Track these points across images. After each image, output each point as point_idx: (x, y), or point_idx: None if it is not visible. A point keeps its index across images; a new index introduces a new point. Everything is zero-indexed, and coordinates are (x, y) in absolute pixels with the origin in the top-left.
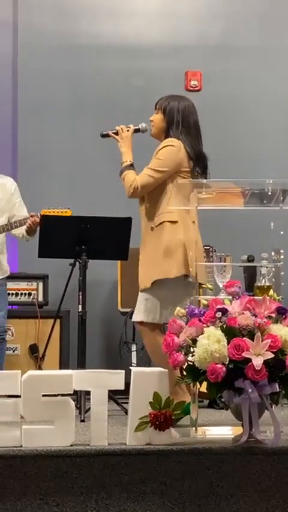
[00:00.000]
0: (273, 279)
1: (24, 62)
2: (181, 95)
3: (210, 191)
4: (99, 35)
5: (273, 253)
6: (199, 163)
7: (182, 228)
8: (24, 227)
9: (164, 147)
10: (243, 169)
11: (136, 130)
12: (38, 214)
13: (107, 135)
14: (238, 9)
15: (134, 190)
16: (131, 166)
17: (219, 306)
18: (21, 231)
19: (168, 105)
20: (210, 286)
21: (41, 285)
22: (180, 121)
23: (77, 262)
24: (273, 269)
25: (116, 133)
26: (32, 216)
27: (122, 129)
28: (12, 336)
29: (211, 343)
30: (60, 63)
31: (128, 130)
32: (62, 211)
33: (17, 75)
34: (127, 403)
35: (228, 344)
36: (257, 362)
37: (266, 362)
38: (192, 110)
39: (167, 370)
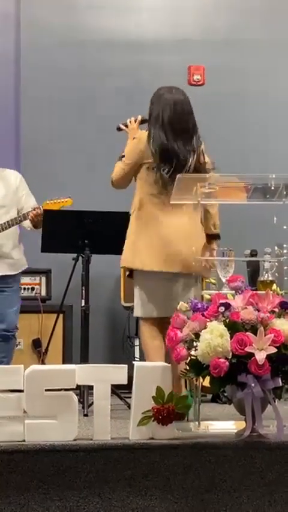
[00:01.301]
0: (276, 274)
1: (27, 56)
2: (173, 87)
3: (213, 186)
4: (103, 30)
5: (276, 248)
6: (165, 160)
7: (147, 222)
8: (27, 221)
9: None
10: (246, 164)
11: (143, 121)
12: (40, 206)
13: (120, 129)
14: (242, 3)
15: (111, 182)
16: (122, 157)
17: (222, 301)
18: (28, 223)
19: (152, 97)
20: (213, 280)
21: (44, 279)
22: (153, 113)
23: (80, 257)
24: (276, 264)
25: (126, 126)
26: (34, 209)
27: (130, 121)
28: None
29: (214, 337)
30: (64, 58)
31: (135, 122)
32: (62, 201)
33: (20, 70)
34: (130, 397)
35: (231, 339)
36: (260, 356)
37: (269, 356)
38: (168, 103)
39: (170, 364)
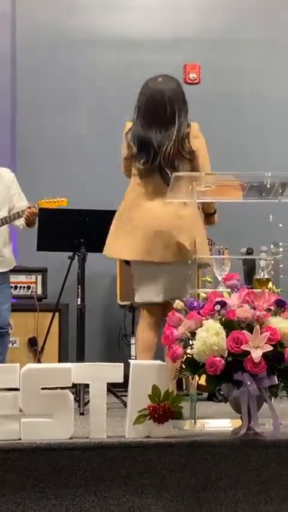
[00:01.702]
0: (272, 272)
1: (22, 55)
2: (160, 76)
3: (209, 184)
4: (98, 29)
5: (272, 246)
6: (142, 150)
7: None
8: (21, 219)
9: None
10: (241, 162)
11: None
12: (36, 205)
13: None
14: (238, 3)
15: None
16: None
17: (218, 299)
18: (21, 222)
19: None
20: (209, 279)
21: (40, 278)
22: (137, 101)
23: (76, 256)
24: (272, 262)
25: None
26: (29, 208)
27: None
28: (11, 329)
29: (210, 336)
30: (59, 58)
31: None
32: (58, 201)
33: (16, 68)
34: (126, 396)
35: (227, 337)
36: (256, 355)
37: (264, 355)
38: (147, 92)
39: (165, 363)
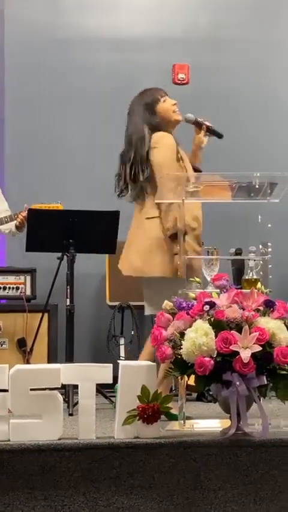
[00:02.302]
0: (261, 272)
1: (11, 54)
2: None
3: (198, 184)
4: (87, 28)
5: (261, 246)
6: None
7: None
8: (12, 222)
9: None
10: (230, 163)
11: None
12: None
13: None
14: (227, 2)
15: None
16: None
17: (207, 299)
18: (8, 226)
19: None
20: (198, 279)
21: (28, 278)
22: None
23: (65, 256)
24: (261, 262)
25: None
26: (24, 211)
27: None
28: (0, 330)
29: (199, 336)
30: (48, 56)
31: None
32: (53, 206)
33: (4, 68)
34: (115, 396)
35: (216, 337)
36: (245, 355)
37: (253, 355)
38: None
39: (154, 364)
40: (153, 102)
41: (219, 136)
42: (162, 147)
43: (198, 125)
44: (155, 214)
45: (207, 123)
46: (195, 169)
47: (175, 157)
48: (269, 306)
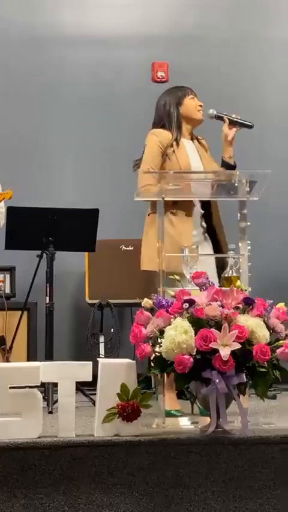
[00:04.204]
0: (241, 270)
1: None
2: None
3: (178, 182)
4: (65, 26)
5: (240, 244)
6: None
7: None
8: None
9: None
10: None
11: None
12: None
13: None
14: (208, 0)
15: None
16: None
17: (186, 297)
18: None
19: None
20: (177, 277)
21: (8, 276)
22: None
23: (45, 254)
24: (240, 260)
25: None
26: None
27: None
28: None
29: (178, 334)
30: (25, 54)
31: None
32: (1, 193)
33: None
34: (95, 394)
35: (195, 335)
36: (224, 353)
37: (233, 352)
38: None
39: (134, 361)
40: (182, 96)
41: (248, 126)
42: (148, 143)
43: (220, 119)
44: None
45: (230, 117)
46: (224, 163)
47: (158, 154)
48: (248, 304)
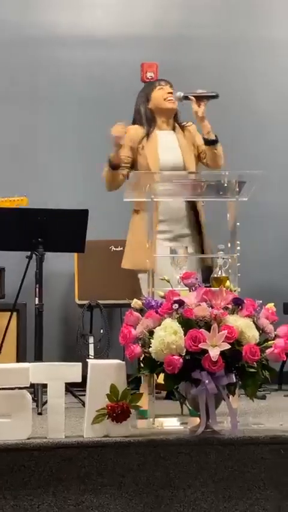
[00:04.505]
0: (230, 270)
1: None
2: None
3: (167, 182)
4: (56, 26)
5: (229, 245)
6: None
7: None
8: None
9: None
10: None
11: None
12: None
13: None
14: (196, 0)
15: None
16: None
17: (175, 298)
18: None
19: None
20: (166, 277)
21: None
22: None
23: (34, 255)
24: (230, 260)
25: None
26: None
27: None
28: None
29: (168, 334)
30: (15, 54)
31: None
32: (17, 200)
33: None
34: (84, 395)
35: (185, 335)
36: (214, 353)
37: (222, 353)
38: None
39: (123, 362)
40: (150, 90)
41: (213, 97)
42: None
43: (188, 99)
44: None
45: (195, 94)
46: (204, 140)
47: (127, 148)
48: (237, 304)
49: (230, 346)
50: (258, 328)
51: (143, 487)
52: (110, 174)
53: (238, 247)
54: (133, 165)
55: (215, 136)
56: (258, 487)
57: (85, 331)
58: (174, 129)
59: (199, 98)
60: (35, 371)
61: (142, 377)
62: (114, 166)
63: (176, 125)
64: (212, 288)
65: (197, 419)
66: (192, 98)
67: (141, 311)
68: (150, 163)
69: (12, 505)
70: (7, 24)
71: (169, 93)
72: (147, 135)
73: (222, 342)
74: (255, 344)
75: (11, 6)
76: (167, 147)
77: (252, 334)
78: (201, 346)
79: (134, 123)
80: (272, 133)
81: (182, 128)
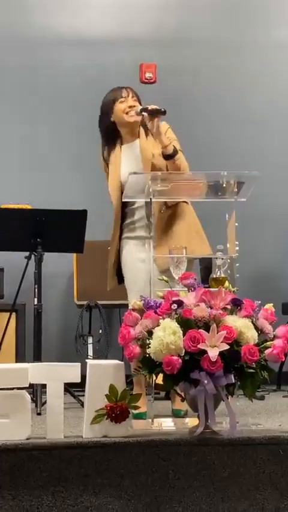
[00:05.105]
0: (229, 271)
1: None
2: None
3: (166, 183)
4: (53, 27)
5: (228, 245)
6: None
7: None
8: None
9: (168, 128)
10: (196, 162)
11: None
12: None
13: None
14: (194, 2)
15: None
16: None
17: (174, 298)
18: None
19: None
20: (165, 278)
21: None
22: None
23: (33, 255)
24: (229, 260)
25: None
26: None
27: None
28: None
29: (167, 335)
30: (11, 56)
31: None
32: (21, 207)
33: None
34: (83, 395)
35: (183, 336)
36: (213, 353)
37: (221, 353)
38: None
39: (122, 362)
40: (111, 103)
41: (162, 113)
42: None
43: (143, 114)
44: None
45: (146, 110)
46: (164, 155)
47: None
48: (236, 305)
49: (228, 347)
50: (257, 328)
51: (141, 487)
52: None
53: (237, 248)
54: None
55: (174, 148)
56: (257, 487)
57: (84, 332)
58: (139, 135)
59: (151, 114)
60: (34, 371)
61: (134, 380)
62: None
63: (141, 129)
64: (211, 289)
65: (196, 420)
66: (145, 114)
67: (140, 311)
68: (111, 181)
69: (11, 505)
70: (2, 25)
71: (130, 106)
72: (111, 152)
73: (221, 342)
74: (254, 344)
75: (7, 7)
76: (129, 161)
77: (251, 335)
78: (200, 346)
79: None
80: (267, 134)
81: (146, 132)
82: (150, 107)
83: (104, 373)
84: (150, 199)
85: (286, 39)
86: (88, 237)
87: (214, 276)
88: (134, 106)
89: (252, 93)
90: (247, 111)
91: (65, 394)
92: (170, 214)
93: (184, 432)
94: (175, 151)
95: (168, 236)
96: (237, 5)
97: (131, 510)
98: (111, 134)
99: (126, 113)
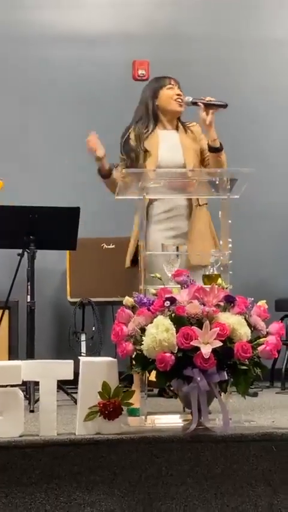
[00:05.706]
0: (222, 268)
1: None
2: None
3: (158, 180)
4: (46, 24)
5: (221, 242)
6: None
7: None
8: None
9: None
10: None
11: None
12: None
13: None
14: None
15: None
16: None
17: (167, 295)
18: None
19: None
20: (158, 275)
21: None
22: None
23: (25, 253)
24: (221, 258)
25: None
26: None
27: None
28: None
29: (160, 332)
30: (7, 52)
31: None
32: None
33: None
34: (76, 392)
35: (177, 333)
36: (206, 350)
37: (214, 350)
38: None
39: (115, 360)
40: (159, 87)
41: (222, 106)
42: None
43: (196, 105)
44: None
45: (204, 101)
46: (209, 147)
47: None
48: (229, 302)
49: (221, 344)
50: (250, 325)
51: (135, 484)
52: (105, 182)
53: (230, 245)
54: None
55: (220, 144)
56: (250, 484)
57: (77, 329)
58: (177, 128)
59: (208, 106)
60: (27, 368)
61: (134, 376)
62: (104, 176)
63: (180, 124)
64: (204, 286)
65: (190, 417)
66: (201, 105)
67: (133, 308)
68: (149, 162)
69: (4, 502)
70: None
71: (178, 95)
72: (151, 133)
73: (214, 339)
74: (247, 341)
75: (1, 3)
76: (169, 146)
77: (244, 332)
78: (193, 343)
79: (137, 118)
80: (264, 132)
81: (185, 128)
82: (207, 99)
83: (97, 370)
84: (144, 196)
85: (281, 35)
86: (81, 234)
87: (207, 273)
88: (181, 95)
89: (248, 90)
90: (242, 108)
91: (58, 391)
92: (201, 213)
93: (177, 429)
94: (222, 146)
95: (199, 234)
96: (231, 1)
97: (124, 507)
98: (155, 118)
99: (175, 100)
